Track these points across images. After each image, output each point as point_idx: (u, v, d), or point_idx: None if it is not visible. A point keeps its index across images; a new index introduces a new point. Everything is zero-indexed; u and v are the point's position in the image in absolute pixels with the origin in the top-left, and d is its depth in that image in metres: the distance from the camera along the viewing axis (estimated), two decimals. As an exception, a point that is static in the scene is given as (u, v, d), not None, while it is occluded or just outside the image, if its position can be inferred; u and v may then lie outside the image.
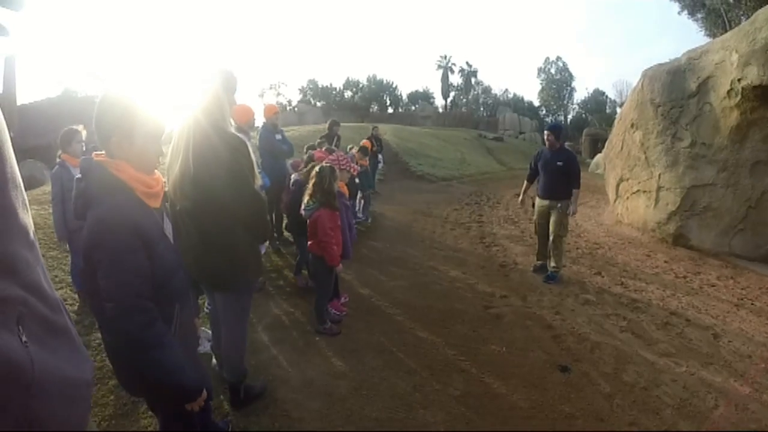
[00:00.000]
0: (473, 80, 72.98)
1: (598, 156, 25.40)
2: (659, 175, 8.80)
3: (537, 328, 5.08)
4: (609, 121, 43.62)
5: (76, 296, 5.08)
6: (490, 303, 5.72)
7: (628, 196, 10.11)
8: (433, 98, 72.03)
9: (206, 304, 4.28)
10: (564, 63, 71.87)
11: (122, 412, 3.33)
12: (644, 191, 9.37)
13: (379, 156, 13.64)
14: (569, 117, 70.89)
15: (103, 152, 1.90)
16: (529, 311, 5.51)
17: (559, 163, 6.50)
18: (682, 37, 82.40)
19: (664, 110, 8.66)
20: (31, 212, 0.97)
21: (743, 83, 6.90)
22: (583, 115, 67.43)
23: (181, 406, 1.93)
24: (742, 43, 6.95)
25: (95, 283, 1.78)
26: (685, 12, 31.78)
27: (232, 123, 3.04)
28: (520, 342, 4.73)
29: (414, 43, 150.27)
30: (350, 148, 10.15)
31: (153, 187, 1.96)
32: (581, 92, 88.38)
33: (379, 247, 8.23)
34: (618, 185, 10.62)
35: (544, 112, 73.21)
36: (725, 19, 27.30)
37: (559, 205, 6.49)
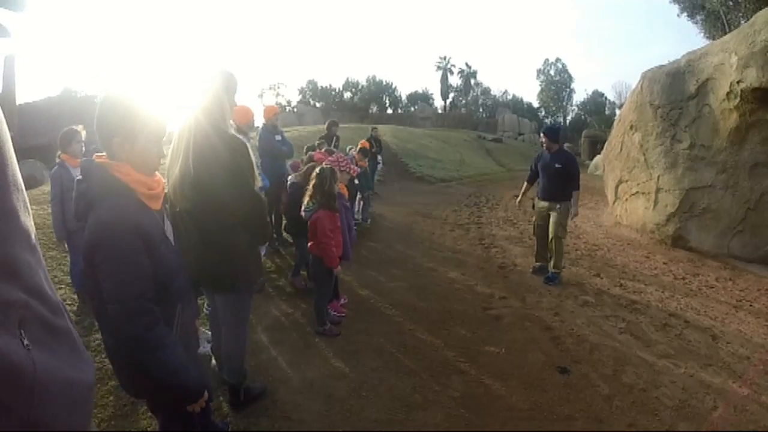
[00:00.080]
0: (472, 81, 72.93)
1: (597, 157, 25.40)
2: (658, 176, 8.81)
3: (536, 329, 5.09)
4: (608, 122, 43.64)
5: (76, 296, 5.08)
6: (490, 304, 5.73)
7: (627, 198, 10.12)
8: (433, 99, 72.13)
9: (206, 305, 4.29)
10: (563, 64, 72.03)
11: (122, 413, 3.33)
12: (643, 193, 9.38)
13: (379, 157, 13.64)
14: (568, 118, 70.92)
15: (104, 153, 1.91)
16: (528, 313, 5.51)
17: (557, 165, 6.50)
18: (682, 38, 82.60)
19: (664, 112, 8.67)
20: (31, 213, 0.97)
21: (742, 85, 6.91)
22: (582, 117, 67.42)
23: (183, 407, 1.93)
24: (741, 46, 6.96)
25: (96, 285, 1.78)
26: (685, 14, 31.82)
27: (232, 124, 3.05)
28: (520, 343, 4.74)
29: (413, 44, 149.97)
30: (350, 149, 10.16)
31: (154, 189, 1.96)
32: (580, 94, 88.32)
33: (379, 249, 8.24)
34: (617, 187, 10.63)
35: (543, 113, 73.22)
36: (724, 21, 27.33)
37: (558, 206, 6.49)
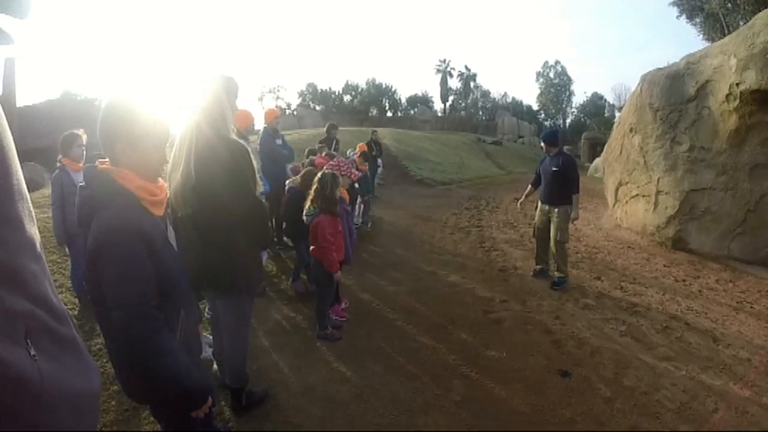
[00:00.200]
0: (472, 84, 73.04)
1: (597, 160, 25.40)
2: (658, 179, 8.81)
3: (537, 332, 5.09)
4: (608, 124, 43.64)
5: (77, 301, 5.08)
6: (490, 308, 5.73)
7: (627, 200, 10.12)
8: (432, 102, 72.24)
9: (207, 309, 4.29)
10: (563, 67, 72.26)
11: (123, 418, 3.33)
12: (643, 195, 9.39)
13: (379, 160, 13.64)
14: (568, 121, 71.01)
15: (107, 159, 1.91)
16: (529, 316, 5.51)
17: (554, 168, 6.50)
18: (681, 41, 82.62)
19: (663, 114, 8.68)
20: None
21: (742, 87, 6.92)
22: (582, 119, 67.48)
23: (186, 413, 1.93)
24: (740, 48, 6.98)
25: (100, 291, 1.79)
26: (684, 16, 31.89)
27: (233, 129, 3.05)
28: (521, 347, 4.74)
29: (413, 47, 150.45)
30: (350, 153, 10.15)
31: (157, 195, 1.96)
32: (580, 96, 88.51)
33: (379, 252, 8.24)
34: (617, 189, 10.64)
35: (542, 116, 73.35)
36: (723, 23, 27.37)
37: (557, 210, 6.49)
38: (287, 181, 6.06)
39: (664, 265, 7.80)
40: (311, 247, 4.65)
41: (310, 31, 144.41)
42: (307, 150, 8.78)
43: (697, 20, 31.18)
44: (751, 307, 5.97)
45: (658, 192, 8.84)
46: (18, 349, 0.79)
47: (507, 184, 21.21)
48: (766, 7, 7.98)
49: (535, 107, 74.48)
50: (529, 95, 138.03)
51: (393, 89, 70.70)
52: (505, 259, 8.06)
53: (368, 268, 7.13)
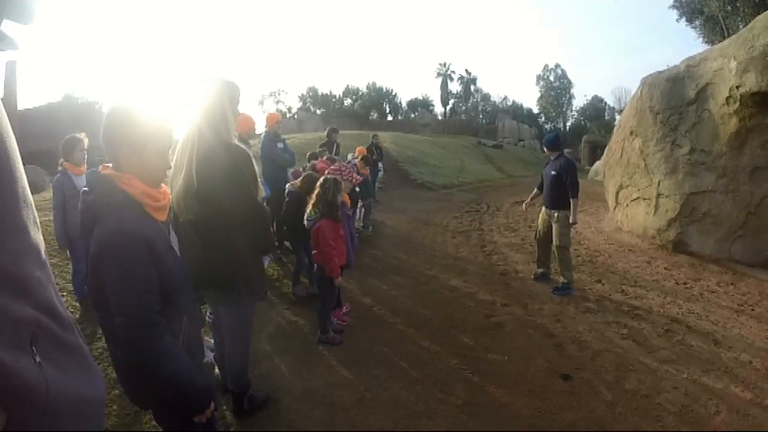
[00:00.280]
0: (472, 88, 73.00)
1: (598, 163, 25.40)
2: (659, 182, 8.81)
3: (538, 336, 5.09)
4: (608, 127, 43.68)
5: (78, 304, 5.09)
6: (492, 311, 5.74)
7: (628, 204, 10.12)
8: (433, 106, 72.15)
9: (208, 314, 4.29)
10: (563, 70, 72.20)
11: (125, 422, 3.33)
12: (644, 198, 9.38)
13: (380, 164, 13.65)
14: (568, 124, 70.95)
15: (111, 165, 1.92)
16: (530, 319, 5.52)
17: (553, 172, 6.52)
18: (681, 43, 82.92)
19: (663, 117, 8.69)
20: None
21: (742, 90, 6.92)
22: (582, 122, 67.46)
23: (189, 418, 1.94)
24: (740, 50, 6.98)
25: (103, 297, 1.79)
26: (684, 19, 31.93)
27: (235, 134, 3.06)
28: (522, 350, 4.74)
29: (413, 50, 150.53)
30: (353, 157, 10.15)
31: (160, 201, 1.97)
32: (580, 99, 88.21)
33: (380, 256, 8.25)
34: (617, 192, 10.63)
35: (543, 119, 73.31)
36: (723, 26, 27.41)
37: (557, 214, 6.49)
38: (287, 185, 6.07)
39: (665, 268, 7.80)
40: (313, 252, 4.66)
41: (310, 35, 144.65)
42: (308, 154, 8.80)
43: (697, 23, 31.22)
44: (752, 309, 5.96)
45: (658, 195, 8.84)
46: (24, 356, 0.79)
47: (507, 187, 21.22)
48: (765, 10, 7.98)
49: (536, 110, 74.40)
50: (530, 98, 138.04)
51: (393, 93, 70.81)
52: (506, 262, 8.07)
53: (369, 272, 7.13)
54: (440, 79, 69.28)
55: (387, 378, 4.11)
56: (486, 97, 77.42)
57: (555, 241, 6.52)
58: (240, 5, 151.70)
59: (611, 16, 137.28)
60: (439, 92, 69.61)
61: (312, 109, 66.16)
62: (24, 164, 0.89)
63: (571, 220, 6.45)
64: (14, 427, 0.77)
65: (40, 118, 25.76)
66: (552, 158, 6.69)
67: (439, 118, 65.64)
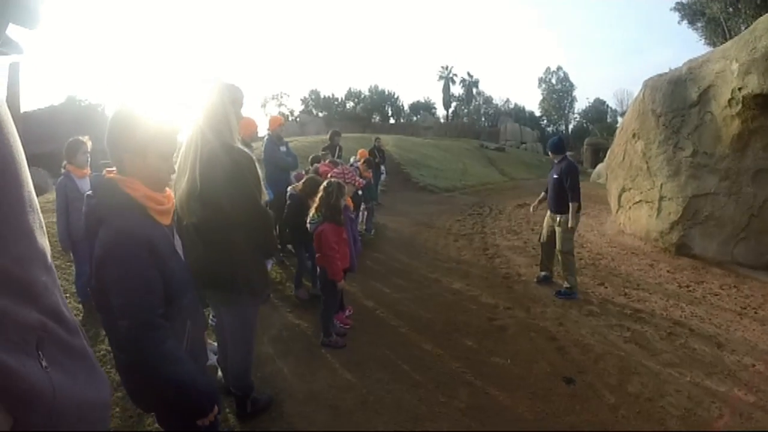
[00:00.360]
0: (474, 90, 72.97)
1: (600, 166, 25.38)
2: (661, 184, 8.80)
3: (541, 339, 5.09)
4: (610, 130, 43.53)
5: (80, 306, 5.10)
6: (494, 315, 5.73)
7: (631, 206, 10.11)
8: (435, 109, 72.19)
9: (211, 316, 4.30)
10: (565, 73, 72.14)
11: (128, 424, 3.34)
12: (646, 201, 9.37)
13: (382, 167, 13.66)
14: (570, 126, 70.88)
15: (115, 168, 1.93)
16: (533, 323, 5.51)
17: (555, 175, 6.52)
18: (683, 45, 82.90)
19: (666, 120, 8.69)
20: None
21: (744, 92, 6.92)
22: (584, 125, 67.34)
23: (192, 421, 1.94)
24: (742, 52, 6.98)
25: (106, 300, 1.80)
26: (685, 21, 31.91)
27: (238, 137, 3.06)
28: (525, 354, 4.74)
29: (415, 53, 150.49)
30: (356, 160, 10.15)
31: (164, 204, 1.97)
32: (582, 101, 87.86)
33: (383, 259, 8.25)
34: (620, 195, 10.62)
35: (545, 122, 73.25)
36: (725, 27, 27.39)
37: (559, 218, 6.48)
38: (288, 188, 6.08)
39: (668, 271, 7.79)
40: (316, 255, 4.67)
41: (312, 37, 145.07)
42: (310, 157, 8.80)
43: (699, 25, 31.20)
44: (755, 312, 5.95)
45: (661, 198, 8.83)
46: (30, 360, 0.80)
47: (510, 190, 21.20)
48: (767, 12, 7.99)
49: (538, 113, 74.39)
50: (532, 101, 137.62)
51: (396, 96, 70.91)
52: (508, 266, 8.06)
53: (372, 276, 7.13)
54: (442, 82, 69.44)
55: (390, 381, 4.11)
56: (488, 100, 77.36)
57: (558, 245, 6.51)
58: (242, 8, 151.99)
59: (613, 19, 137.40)
60: (441, 95, 69.78)
61: (314, 111, 66.16)
62: (27, 166, 0.90)
63: (569, 225, 6.44)
64: (21, 430, 0.77)
65: (43, 121, 25.87)
66: (556, 162, 6.68)
67: (442, 121, 65.63)
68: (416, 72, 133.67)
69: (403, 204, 14.95)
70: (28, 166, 0.90)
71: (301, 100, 68.43)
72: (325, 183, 4.63)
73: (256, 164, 2.98)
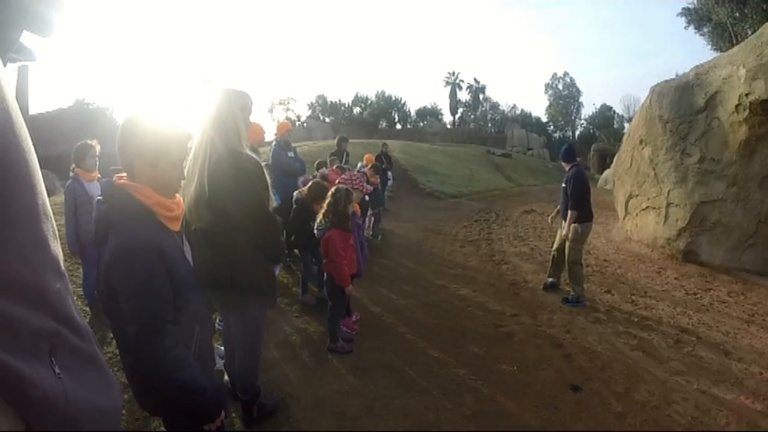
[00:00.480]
0: (481, 96, 72.84)
1: (607, 172, 25.31)
2: (668, 191, 8.79)
3: (548, 346, 5.08)
4: (617, 136, 43.49)
5: (88, 309, 5.13)
6: (501, 321, 5.73)
7: (638, 213, 10.09)
8: (442, 114, 71.99)
9: (218, 321, 4.31)
10: (571, 78, 72.05)
11: (134, 427, 3.35)
12: (653, 207, 9.36)
13: (389, 173, 13.66)
14: (577, 132, 70.71)
15: (125, 174, 1.95)
16: (539, 330, 5.51)
17: (563, 184, 6.53)
18: (689, 50, 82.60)
19: (673, 126, 8.68)
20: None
21: (751, 98, 6.91)
22: (591, 131, 67.13)
23: (199, 426, 1.95)
24: (749, 58, 6.98)
25: (115, 305, 1.82)
26: (692, 26, 31.80)
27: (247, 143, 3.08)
28: (531, 361, 4.73)
29: (422, 59, 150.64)
30: (362, 166, 10.16)
31: (173, 211, 1.99)
32: (589, 107, 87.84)
33: (390, 265, 8.25)
34: (627, 202, 10.61)
35: (552, 128, 73.11)
36: (732, 33, 27.26)
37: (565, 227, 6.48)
38: (294, 193, 6.10)
39: (675, 278, 7.76)
40: (324, 261, 4.68)
41: (320, 43, 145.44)
42: (316, 162, 8.82)
43: (705, 30, 31.07)
44: (763, 320, 5.93)
45: (668, 204, 8.81)
46: (43, 368, 0.80)
47: (516, 196, 21.15)
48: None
49: (545, 119, 74.21)
50: (538, 107, 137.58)
51: (402, 101, 70.68)
52: (515, 272, 8.05)
53: (379, 282, 7.14)
54: (449, 88, 69.33)
55: (396, 387, 4.11)
56: (495, 106, 77.30)
57: (566, 255, 6.49)
58: (250, 14, 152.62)
59: (619, 24, 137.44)
60: (447, 101, 69.68)
61: (321, 117, 66.21)
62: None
63: (563, 233, 6.42)
64: None
65: (51, 123, 26.02)
66: (566, 169, 6.67)
67: (448, 126, 65.53)
68: (423, 78, 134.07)
69: (410, 210, 14.94)
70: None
71: (308, 105, 68.62)
72: (333, 189, 4.64)
73: (265, 170, 2.99)
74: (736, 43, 9.71)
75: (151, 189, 1.91)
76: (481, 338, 5.24)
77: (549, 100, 73.00)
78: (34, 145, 0.86)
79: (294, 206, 5.82)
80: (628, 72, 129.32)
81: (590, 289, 7.04)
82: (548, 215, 7.35)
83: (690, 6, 31.47)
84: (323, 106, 68.41)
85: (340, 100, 69.37)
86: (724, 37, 28.49)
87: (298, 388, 4.04)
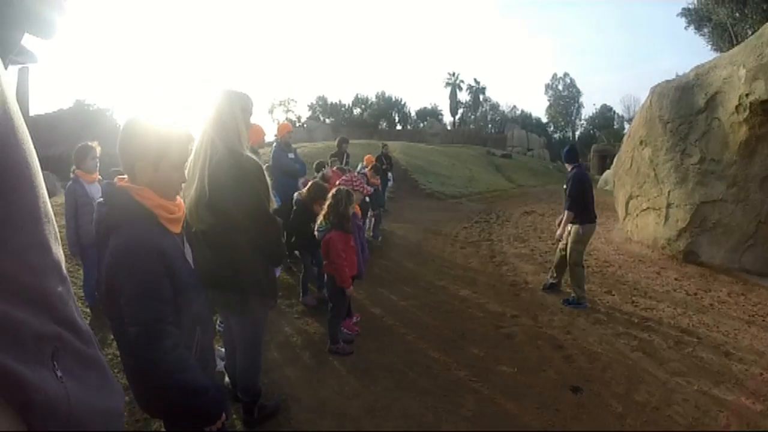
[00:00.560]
0: (481, 97, 72.81)
1: (607, 172, 25.33)
2: (669, 191, 8.79)
3: (548, 347, 5.08)
4: (617, 136, 43.50)
5: (88, 310, 5.14)
6: (501, 323, 5.73)
7: (638, 213, 10.09)
8: (442, 115, 71.88)
9: (218, 322, 4.32)
10: (571, 79, 72.19)
11: (135, 428, 3.36)
12: (654, 208, 9.35)
13: (389, 174, 13.66)
14: (577, 133, 70.75)
15: (126, 176, 1.95)
16: (540, 331, 5.51)
17: (564, 186, 6.52)
18: (689, 51, 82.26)
19: (673, 126, 8.68)
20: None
21: (751, 98, 6.91)
22: (592, 131, 67.19)
23: (201, 427, 1.95)
24: (749, 58, 6.98)
25: (116, 306, 1.82)
26: (692, 27, 31.81)
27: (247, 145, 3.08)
28: (532, 362, 4.73)
29: (422, 60, 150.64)
30: (362, 167, 10.17)
31: (174, 213, 1.99)
32: (589, 108, 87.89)
33: (390, 266, 8.25)
34: (627, 202, 10.60)
35: (552, 128, 73.15)
36: (732, 33, 27.26)
37: (568, 229, 6.45)
38: (294, 194, 6.10)
39: (676, 279, 7.76)
40: (324, 263, 4.68)
41: (320, 44, 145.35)
42: (315, 163, 8.81)
43: (705, 30, 31.08)
44: (764, 320, 5.93)
45: (668, 205, 8.81)
46: (45, 371, 0.80)
47: (517, 197, 21.17)
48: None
49: (545, 120, 74.27)
50: (539, 108, 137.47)
51: (402, 102, 70.66)
52: (515, 273, 8.05)
53: (379, 283, 7.14)
54: (449, 89, 69.24)
55: (396, 389, 4.11)
56: (495, 107, 77.31)
57: (567, 256, 6.48)
58: (250, 15, 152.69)
59: (620, 25, 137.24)
60: (448, 102, 69.63)
61: (321, 118, 66.18)
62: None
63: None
64: None
65: (51, 124, 26.04)
66: (569, 170, 6.65)
67: (448, 127, 65.45)
68: (423, 78, 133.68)
69: (410, 211, 14.93)
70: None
71: (309, 106, 68.61)
72: (333, 190, 4.64)
73: (265, 172, 3.00)
74: (736, 44, 9.71)
75: (152, 191, 1.91)
76: (482, 339, 5.24)
77: (549, 100, 73.19)
78: (34, 146, 0.86)
79: (294, 207, 5.82)
80: (628, 72, 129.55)
81: (591, 290, 7.03)
82: (549, 216, 7.35)
83: (690, 6, 31.49)
84: (323, 107, 68.42)
85: (340, 101, 69.51)
86: (724, 37, 28.49)
87: (298, 389, 4.04)
